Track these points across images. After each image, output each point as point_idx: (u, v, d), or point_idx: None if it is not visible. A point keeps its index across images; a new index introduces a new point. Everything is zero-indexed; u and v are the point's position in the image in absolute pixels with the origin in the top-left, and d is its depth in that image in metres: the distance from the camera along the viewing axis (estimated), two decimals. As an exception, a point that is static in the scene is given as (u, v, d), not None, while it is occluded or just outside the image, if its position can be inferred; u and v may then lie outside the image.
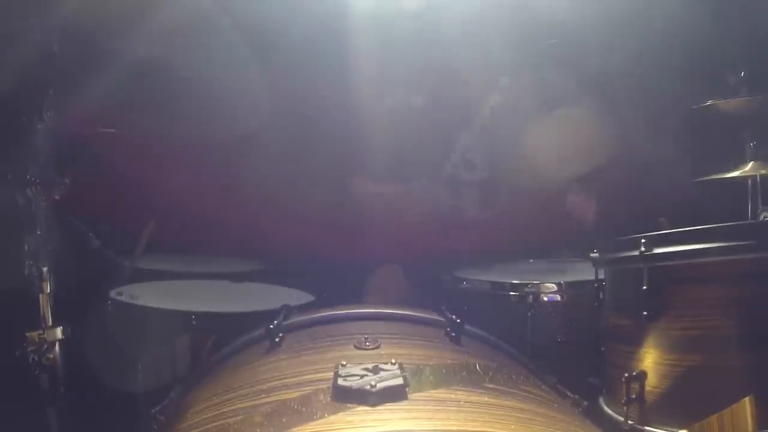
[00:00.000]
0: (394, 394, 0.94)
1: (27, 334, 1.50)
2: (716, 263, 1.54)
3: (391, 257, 2.78)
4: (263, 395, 1.04)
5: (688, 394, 1.55)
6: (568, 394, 1.41)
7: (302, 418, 0.92)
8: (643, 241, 1.62)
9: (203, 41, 2.54)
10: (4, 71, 1.56)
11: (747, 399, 1.24)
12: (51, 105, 1.57)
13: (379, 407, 0.92)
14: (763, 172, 1.95)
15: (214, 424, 1.01)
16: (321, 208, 2.78)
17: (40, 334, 1.50)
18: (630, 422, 1.63)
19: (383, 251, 2.75)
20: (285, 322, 1.38)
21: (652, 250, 1.61)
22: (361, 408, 0.92)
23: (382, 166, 2.92)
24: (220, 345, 1.52)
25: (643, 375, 1.62)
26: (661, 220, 2.20)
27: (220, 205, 2.64)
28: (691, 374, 1.55)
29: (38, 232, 1.53)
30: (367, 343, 1.18)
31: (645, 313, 1.61)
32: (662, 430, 1.57)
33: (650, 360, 1.62)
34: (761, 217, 2.03)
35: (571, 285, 2.28)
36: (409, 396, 0.95)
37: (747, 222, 1.97)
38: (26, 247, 1.52)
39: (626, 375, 1.63)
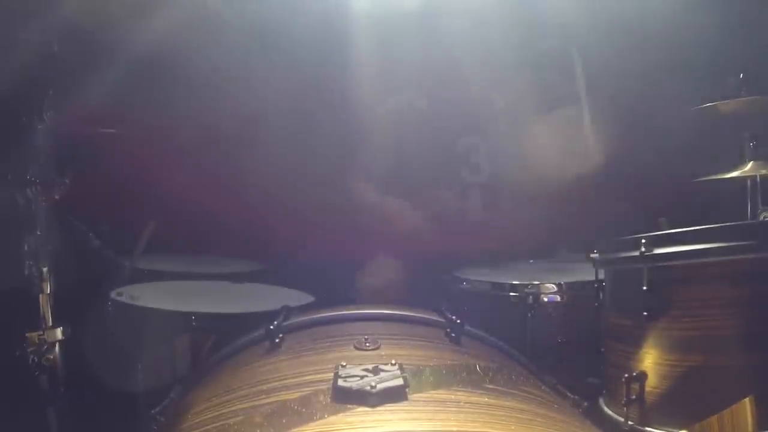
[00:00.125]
0: (394, 395, 0.94)
1: (27, 335, 1.50)
2: (716, 263, 1.54)
3: (391, 257, 2.78)
4: (263, 396, 1.04)
5: (688, 394, 1.55)
6: (568, 394, 1.41)
7: (302, 419, 0.92)
8: (643, 241, 1.62)
9: (203, 41, 2.54)
10: (4, 71, 1.56)
11: (747, 399, 1.24)
12: (51, 105, 1.57)
13: (379, 408, 0.92)
14: (763, 172, 1.95)
15: (214, 424, 1.01)
16: (321, 209, 2.78)
17: (40, 335, 1.50)
18: (630, 423, 1.63)
19: (384, 251, 2.75)
20: (285, 323, 1.38)
21: (652, 250, 1.61)
22: (361, 409, 0.92)
23: (383, 167, 2.92)
24: (220, 345, 1.51)
25: (643, 375, 1.62)
26: (661, 220, 2.20)
27: (220, 206, 2.64)
28: (691, 374, 1.55)
29: (38, 232, 1.53)
30: (367, 344, 1.18)
31: (645, 313, 1.61)
32: (662, 430, 1.57)
33: (650, 360, 1.62)
34: (761, 217, 2.03)
35: (571, 285, 2.28)
36: (409, 397, 0.95)
37: (747, 222, 1.97)
38: (26, 247, 1.52)
39: (626, 375, 1.63)
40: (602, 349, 1.85)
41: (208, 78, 2.61)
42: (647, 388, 1.62)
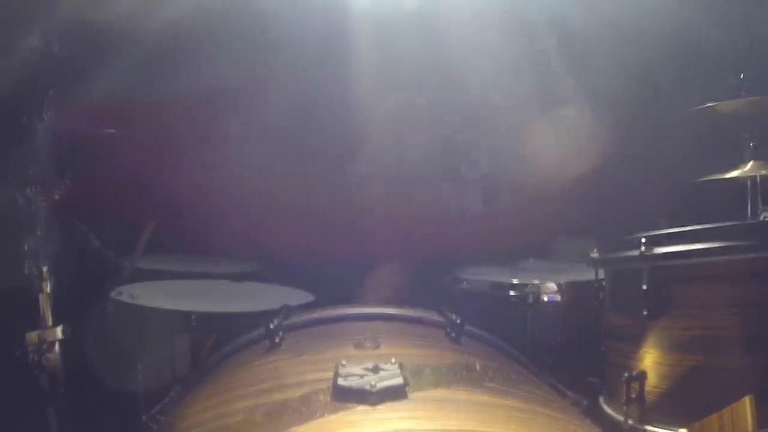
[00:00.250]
0: (394, 394, 0.94)
1: (27, 334, 1.50)
2: (716, 263, 1.54)
3: (391, 257, 2.78)
4: (263, 395, 1.04)
5: (688, 393, 1.55)
6: (568, 393, 1.41)
7: (302, 418, 0.92)
8: (643, 241, 1.62)
9: (204, 40, 2.54)
10: (4, 71, 1.56)
11: (747, 399, 1.24)
12: (51, 105, 1.57)
13: (379, 407, 0.92)
14: (763, 172, 1.95)
15: (214, 423, 1.01)
16: (322, 208, 2.78)
17: (39, 334, 1.50)
18: (630, 422, 1.63)
19: (384, 251, 2.75)
20: (285, 322, 1.38)
21: (652, 250, 1.61)
22: (361, 407, 0.92)
23: (383, 165, 2.92)
24: (220, 345, 1.51)
25: (643, 375, 1.63)
26: (661, 220, 2.20)
27: (220, 205, 2.64)
28: (691, 374, 1.55)
29: (38, 232, 1.53)
30: (367, 343, 1.18)
31: (645, 312, 1.61)
32: (662, 429, 1.57)
33: (650, 360, 1.62)
34: (761, 217, 2.03)
35: (571, 285, 2.28)
36: (409, 395, 0.95)
37: (747, 222, 1.97)
38: (26, 247, 1.52)
39: (626, 375, 1.63)
40: (602, 349, 1.85)
41: (208, 77, 2.61)
42: (647, 388, 1.62)
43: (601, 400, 1.80)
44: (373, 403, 0.93)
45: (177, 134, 2.65)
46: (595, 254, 1.90)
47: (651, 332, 1.62)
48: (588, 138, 2.76)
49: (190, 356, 1.84)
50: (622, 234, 1.78)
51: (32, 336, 1.49)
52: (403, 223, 2.83)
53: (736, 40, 2.54)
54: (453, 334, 1.33)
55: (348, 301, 1.57)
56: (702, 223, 1.58)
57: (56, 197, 1.58)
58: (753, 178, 2.04)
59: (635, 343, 1.66)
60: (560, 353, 2.22)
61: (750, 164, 1.97)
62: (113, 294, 1.98)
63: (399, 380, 0.96)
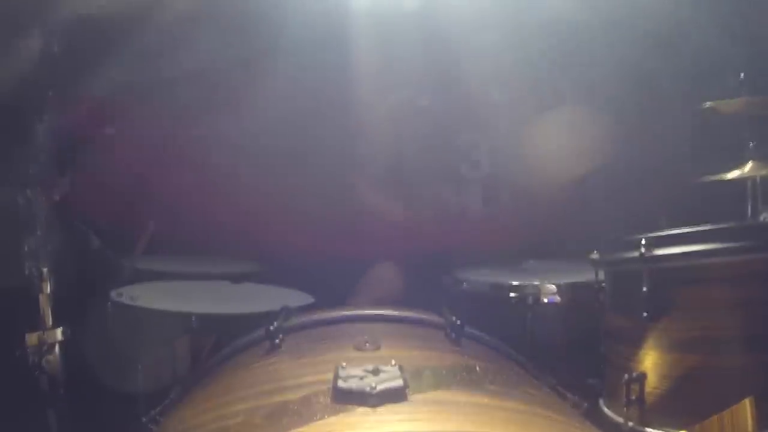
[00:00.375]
0: (394, 396, 0.94)
1: (27, 336, 1.49)
2: (716, 264, 1.54)
3: (391, 257, 2.78)
4: (263, 397, 1.04)
5: (688, 395, 1.55)
6: (568, 395, 1.41)
7: (302, 420, 0.92)
8: (643, 242, 1.62)
9: (203, 41, 2.54)
10: (4, 71, 1.56)
11: (747, 400, 1.24)
12: (51, 105, 1.57)
13: (379, 408, 0.92)
14: (763, 172, 1.95)
15: (213, 425, 1.01)
16: (322, 208, 2.78)
17: (39, 335, 1.50)
18: (630, 423, 1.63)
19: (384, 252, 2.75)
20: (285, 324, 1.38)
21: (652, 251, 1.61)
22: (361, 409, 0.92)
23: (383, 165, 2.92)
24: (220, 346, 1.51)
25: (643, 376, 1.62)
26: (662, 221, 2.20)
27: (220, 206, 2.64)
28: (691, 375, 1.55)
29: (38, 233, 1.53)
30: (367, 345, 1.18)
31: (645, 314, 1.61)
32: (662, 431, 1.57)
33: (650, 361, 1.62)
34: (761, 218, 2.03)
35: (572, 286, 2.28)
36: (409, 397, 0.95)
37: (747, 223, 1.97)
38: (26, 248, 1.52)
39: (626, 376, 1.63)
40: (602, 350, 1.85)
41: (207, 77, 2.61)
42: (647, 389, 1.62)
43: (601, 401, 1.80)
44: (373, 405, 0.92)
45: (177, 134, 2.65)
46: (595, 255, 1.90)
47: (651, 334, 1.62)
48: (588, 138, 2.75)
49: (190, 358, 1.83)
50: (622, 234, 1.78)
51: (32, 338, 1.49)
52: (403, 223, 2.84)
53: (736, 40, 2.53)
54: (453, 336, 1.33)
55: (348, 302, 1.57)
56: (702, 224, 1.57)
57: (56, 197, 1.58)
58: (753, 178, 2.04)
59: (635, 344, 1.66)
60: (560, 355, 2.22)
61: (750, 164, 1.97)
62: (113, 295, 1.98)
63: (399, 382, 0.96)
